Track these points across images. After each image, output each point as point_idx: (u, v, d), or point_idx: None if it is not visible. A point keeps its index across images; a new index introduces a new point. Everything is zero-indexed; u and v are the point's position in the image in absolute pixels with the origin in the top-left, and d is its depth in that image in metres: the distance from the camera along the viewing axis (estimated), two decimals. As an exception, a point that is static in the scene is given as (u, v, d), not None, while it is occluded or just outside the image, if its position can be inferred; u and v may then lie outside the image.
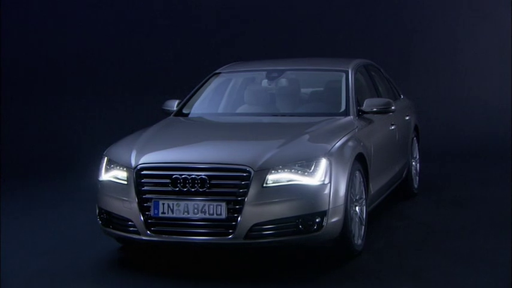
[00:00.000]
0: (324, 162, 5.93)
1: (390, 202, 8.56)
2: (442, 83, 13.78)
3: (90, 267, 6.41)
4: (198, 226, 5.82)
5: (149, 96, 12.30)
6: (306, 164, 5.90)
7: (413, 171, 9.10)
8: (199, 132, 6.93)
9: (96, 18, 13.88)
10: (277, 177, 5.82)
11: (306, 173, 5.86)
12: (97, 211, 6.40)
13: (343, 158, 6.13)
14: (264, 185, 5.77)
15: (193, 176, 5.82)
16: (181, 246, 6.39)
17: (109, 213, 6.21)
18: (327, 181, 5.90)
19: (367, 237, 6.78)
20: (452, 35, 14.03)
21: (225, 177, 5.82)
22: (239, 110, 7.51)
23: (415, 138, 9.16)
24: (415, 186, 9.15)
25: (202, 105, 7.68)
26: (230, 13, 13.95)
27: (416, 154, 9.26)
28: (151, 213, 5.88)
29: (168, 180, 5.88)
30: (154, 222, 5.90)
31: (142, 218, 5.91)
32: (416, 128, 9.23)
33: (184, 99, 7.71)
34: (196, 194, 5.81)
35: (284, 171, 5.84)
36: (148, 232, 5.92)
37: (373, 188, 7.02)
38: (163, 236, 5.91)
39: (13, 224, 7.94)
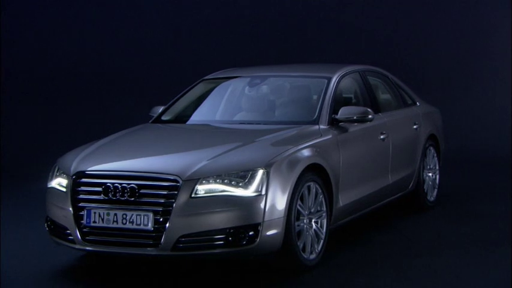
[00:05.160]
0: (260, 173, 5.67)
1: (396, 215, 8.19)
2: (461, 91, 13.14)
3: (49, 274, 6.33)
4: (126, 236, 5.70)
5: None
6: (241, 175, 5.67)
7: (429, 183, 8.61)
8: (151, 139, 6.78)
9: (88, 22, 13.92)
10: (208, 188, 5.62)
11: (240, 184, 5.64)
12: (45, 219, 6.38)
13: (286, 168, 5.84)
14: (193, 195, 5.58)
15: (123, 185, 5.71)
16: (113, 257, 6.27)
17: (53, 222, 6.18)
18: (263, 192, 5.64)
19: (335, 251, 6.54)
20: (455, 39, 13.36)
21: (153, 187, 5.68)
22: (213, 117, 7.32)
23: (431, 147, 8.65)
24: (431, 199, 8.63)
25: (183, 111, 7.54)
26: (226, 17, 13.68)
27: (434, 165, 8.75)
28: (84, 222, 5.81)
29: (100, 189, 5.79)
30: (88, 232, 5.82)
31: (76, 226, 5.85)
32: (433, 137, 8.72)
33: (166, 105, 7.61)
34: (126, 203, 5.69)
35: (216, 181, 5.64)
36: (82, 241, 5.84)
37: (344, 200, 6.66)
38: (96, 245, 5.82)
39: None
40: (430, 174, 8.68)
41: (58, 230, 6.10)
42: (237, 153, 5.95)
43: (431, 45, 13.36)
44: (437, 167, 8.84)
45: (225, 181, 5.64)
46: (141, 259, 6.22)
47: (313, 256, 6.15)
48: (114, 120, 10.33)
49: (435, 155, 8.79)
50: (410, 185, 8.18)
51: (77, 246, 5.91)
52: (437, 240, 7.24)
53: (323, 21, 13.45)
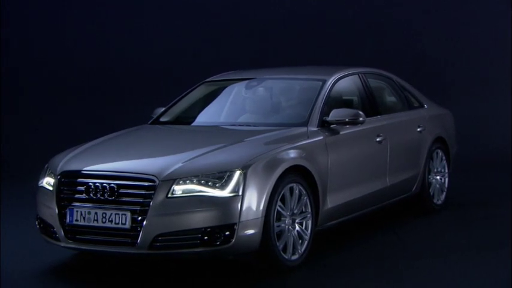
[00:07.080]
0: (237, 174, 5.74)
1: (401, 218, 8.17)
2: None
3: (44, 272, 6.46)
4: (106, 235, 5.83)
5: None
6: (218, 176, 5.74)
7: (436, 186, 8.54)
8: (141, 140, 6.88)
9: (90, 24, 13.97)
10: (185, 188, 5.71)
11: (216, 185, 5.71)
12: (35, 217, 6.55)
13: (265, 170, 5.89)
14: (169, 195, 5.68)
15: (104, 185, 5.84)
16: (93, 255, 6.40)
17: (42, 220, 6.34)
18: (239, 193, 5.71)
19: (331, 251, 6.62)
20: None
21: (131, 187, 5.80)
22: (209, 119, 7.41)
23: (439, 150, 8.58)
24: (438, 202, 8.56)
25: (181, 113, 7.63)
26: (231, 19, 13.63)
27: (442, 168, 8.66)
28: (67, 220, 5.96)
29: (82, 188, 5.93)
30: (71, 230, 5.97)
31: (60, 225, 6.00)
32: (441, 140, 8.65)
33: (166, 107, 7.72)
34: (106, 202, 5.82)
35: (193, 182, 5.72)
36: (65, 239, 6.00)
37: (333, 202, 6.67)
38: (78, 243, 5.97)
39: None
40: (438, 177, 8.60)
41: (46, 229, 6.26)
42: (216, 155, 6.02)
43: (432, 47, 13.23)
44: (446, 170, 8.75)
45: (202, 182, 5.73)
46: (130, 258, 6.35)
47: (295, 257, 6.16)
48: (117, 121, 10.41)
49: (443, 158, 8.71)
50: (414, 188, 8.13)
51: (62, 244, 6.07)
52: (438, 242, 7.20)
53: (327, 22, 13.42)
